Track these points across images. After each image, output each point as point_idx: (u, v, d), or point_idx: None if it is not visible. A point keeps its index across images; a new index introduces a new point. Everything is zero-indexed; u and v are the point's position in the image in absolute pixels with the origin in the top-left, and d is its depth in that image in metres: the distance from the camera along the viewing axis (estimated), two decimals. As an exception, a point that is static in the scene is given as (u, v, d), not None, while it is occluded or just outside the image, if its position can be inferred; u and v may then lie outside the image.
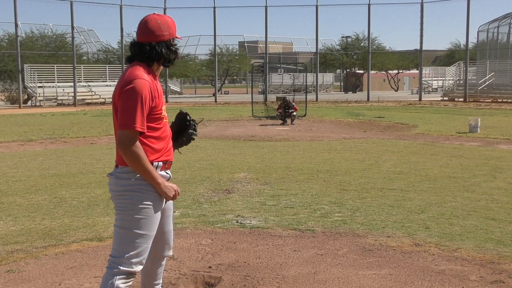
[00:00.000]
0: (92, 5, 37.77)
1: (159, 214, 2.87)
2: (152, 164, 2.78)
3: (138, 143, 2.68)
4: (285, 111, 19.08)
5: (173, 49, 2.86)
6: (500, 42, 38.22)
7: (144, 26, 2.81)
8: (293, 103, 19.65)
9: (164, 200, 2.88)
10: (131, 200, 2.76)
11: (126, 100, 2.69)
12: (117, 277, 2.75)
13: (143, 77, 2.72)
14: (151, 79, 2.77)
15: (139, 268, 2.82)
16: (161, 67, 2.92)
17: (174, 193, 2.85)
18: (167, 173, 2.95)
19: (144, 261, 2.85)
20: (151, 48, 2.78)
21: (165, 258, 3.20)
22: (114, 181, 2.82)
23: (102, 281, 2.82)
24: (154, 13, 2.86)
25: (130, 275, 2.79)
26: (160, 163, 2.86)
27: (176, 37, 2.90)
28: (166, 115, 2.90)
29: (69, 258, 4.63)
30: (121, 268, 2.76)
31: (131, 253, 2.77)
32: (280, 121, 19.20)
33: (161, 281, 3.24)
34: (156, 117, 2.80)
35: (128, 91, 2.68)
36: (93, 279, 4.11)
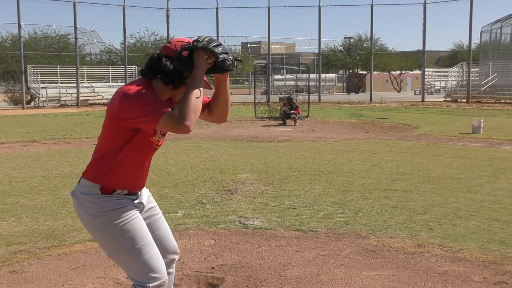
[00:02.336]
0: (95, 6, 37.90)
1: (139, 219, 2.67)
2: (114, 191, 2.59)
3: (176, 110, 2.40)
4: (285, 112, 19.09)
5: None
6: (503, 42, 38.19)
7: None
8: (297, 104, 19.64)
9: (136, 202, 2.70)
10: (103, 226, 2.58)
11: (129, 106, 2.47)
12: None
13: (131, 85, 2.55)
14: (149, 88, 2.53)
15: (163, 275, 2.65)
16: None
17: (206, 61, 2.49)
18: (134, 200, 2.70)
19: (163, 264, 2.68)
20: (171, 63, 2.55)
21: (173, 265, 2.97)
22: (77, 202, 2.65)
23: None
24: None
25: (160, 286, 2.65)
26: (124, 191, 2.65)
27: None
28: (157, 141, 2.69)
29: (72, 258, 4.64)
30: (150, 285, 2.61)
31: (147, 267, 2.61)
32: (280, 121, 19.22)
33: None
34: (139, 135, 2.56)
35: (126, 100, 2.48)
36: (96, 280, 4.12)
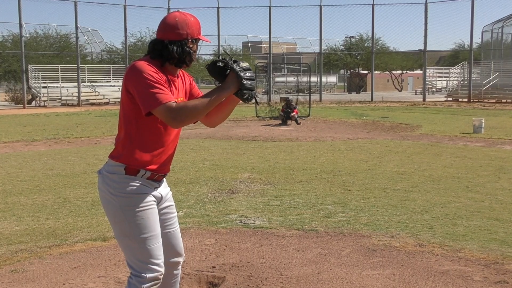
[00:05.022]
0: (96, 6, 37.98)
1: (154, 210, 2.72)
2: (138, 171, 2.65)
3: (177, 107, 2.50)
4: (285, 111, 19.11)
5: (187, 50, 2.65)
6: (505, 42, 38.17)
7: (162, 22, 2.68)
8: (295, 105, 19.67)
9: (155, 196, 2.74)
10: (119, 206, 2.64)
11: (135, 83, 2.54)
12: (144, 285, 2.64)
13: (143, 61, 2.62)
14: (157, 71, 2.60)
15: (160, 269, 2.69)
16: (178, 69, 2.73)
17: (237, 86, 2.59)
18: (155, 188, 2.76)
19: (162, 259, 2.71)
20: (163, 46, 2.63)
21: (179, 267, 2.97)
22: (100, 179, 2.72)
23: None
24: (178, 11, 2.71)
25: (155, 280, 2.67)
26: (148, 173, 2.69)
27: (199, 38, 2.70)
28: None
29: (73, 258, 4.64)
30: (147, 275, 2.64)
31: (148, 257, 2.65)
32: (280, 121, 19.25)
33: None
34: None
35: (132, 73, 2.56)
36: (97, 279, 4.12)
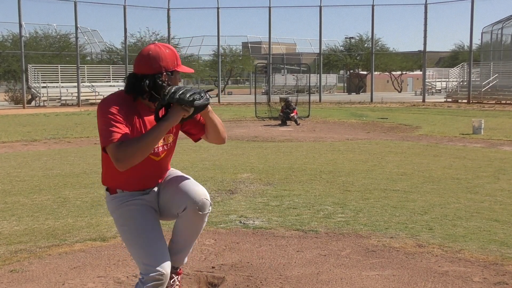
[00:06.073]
0: (95, 6, 38.02)
1: (149, 215, 2.81)
2: (116, 191, 2.80)
3: (121, 147, 2.48)
4: (285, 112, 19.12)
5: (160, 83, 2.60)
6: (504, 43, 38.20)
7: (137, 56, 2.69)
8: (294, 106, 19.67)
9: (149, 202, 2.85)
10: (115, 221, 2.90)
11: (98, 118, 2.60)
12: (145, 286, 2.71)
13: (113, 95, 2.64)
14: (128, 105, 2.59)
15: (162, 269, 2.72)
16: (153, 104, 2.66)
17: (184, 112, 2.56)
18: (144, 194, 2.84)
19: (165, 259, 2.75)
20: (136, 80, 2.61)
21: (208, 210, 2.92)
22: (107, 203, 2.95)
23: None
24: (153, 43, 2.70)
25: (155, 281, 2.72)
26: (126, 192, 2.80)
27: (176, 70, 2.67)
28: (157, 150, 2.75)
29: (73, 258, 4.64)
30: (148, 275, 2.71)
31: (147, 259, 2.73)
32: (279, 121, 19.26)
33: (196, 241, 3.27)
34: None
35: (98, 108, 2.62)
36: (96, 279, 4.12)
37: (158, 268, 2.71)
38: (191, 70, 2.84)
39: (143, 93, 2.61)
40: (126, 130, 2.53)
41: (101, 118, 2.55)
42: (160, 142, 2.75)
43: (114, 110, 2.53)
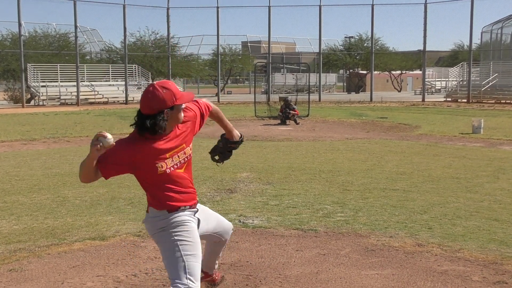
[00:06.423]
0: (95, 5, 37.77)
1: (196, 236, 3.07)
2: (178, 208, 3.07)
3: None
4: (284, 111, 19.12)
5: (160, 120, 2.89)
6: (504, 43, 38.19)
7: (140, 97, 2.94)
8: (294, 106, 19.67)
9: (197, 223, 3.16)
10: (168, 234, 3.03)
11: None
12: None
13: (129, 136, 2.94)
14: (127, 149, 2.91)
15: (195, 285, 2.92)
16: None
17: (95, 146, 2.83)
18: (195, 213, 3.16)
19: (198, 278, 2.97)
20: (142, 119, 2.88)
21: (229, 233, 3.57)
22: (149, 225, 3.09)
23: None
24: (152, 85, 2.92)
25: None
26: (187, 207, 3.12)
27: (175, 105, 2.92)
28: (171, 165, 3.03)
29: (72, 257, 4.64)
30: (181, 286, 2.89)
31: (186, 271, 2.93)
32: (279, 121, 19.25)
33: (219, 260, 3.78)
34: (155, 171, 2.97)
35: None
36: (95, 278, 4.12)
37: (193, 285, 2.93)
38: (190, 99, 3.08)
39: (146, 130, 2.90)
40: (112, 167, 2.90)
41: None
42: (181, 156, 3.11)
43: (117, 149, 2.85)
